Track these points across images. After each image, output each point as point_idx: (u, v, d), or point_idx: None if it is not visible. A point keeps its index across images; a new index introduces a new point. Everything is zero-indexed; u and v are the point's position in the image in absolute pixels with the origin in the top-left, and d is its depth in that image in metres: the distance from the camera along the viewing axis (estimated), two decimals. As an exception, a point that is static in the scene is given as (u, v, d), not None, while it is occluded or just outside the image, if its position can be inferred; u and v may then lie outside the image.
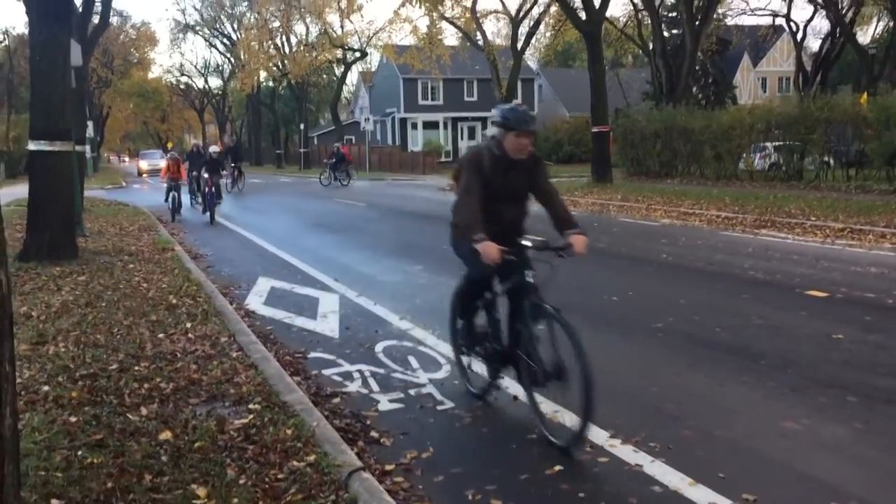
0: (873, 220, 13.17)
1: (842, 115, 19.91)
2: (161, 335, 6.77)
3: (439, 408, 5.21)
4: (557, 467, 4.16)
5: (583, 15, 24.99)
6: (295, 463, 4.07)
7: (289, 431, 4.48)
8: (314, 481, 3.85)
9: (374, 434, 4.77)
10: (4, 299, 3.09)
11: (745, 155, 23.32)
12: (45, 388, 5.22)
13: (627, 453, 4.30)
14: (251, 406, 4.96)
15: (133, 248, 12.64)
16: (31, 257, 10.50)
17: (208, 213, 18.28)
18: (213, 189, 18.21)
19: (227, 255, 12.71)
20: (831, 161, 21.32)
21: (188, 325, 7.16)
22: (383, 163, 48.13)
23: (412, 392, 5.54)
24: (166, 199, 19.48)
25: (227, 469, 3.98)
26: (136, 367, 5.77)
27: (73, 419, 4.64)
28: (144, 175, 49.86)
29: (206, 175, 18.39)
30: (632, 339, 6.72)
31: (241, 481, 3.84)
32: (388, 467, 4.25)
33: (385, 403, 5.33)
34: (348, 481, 3.85)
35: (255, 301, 8.84)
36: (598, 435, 4.51)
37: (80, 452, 4.13)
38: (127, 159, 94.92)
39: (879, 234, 12.08)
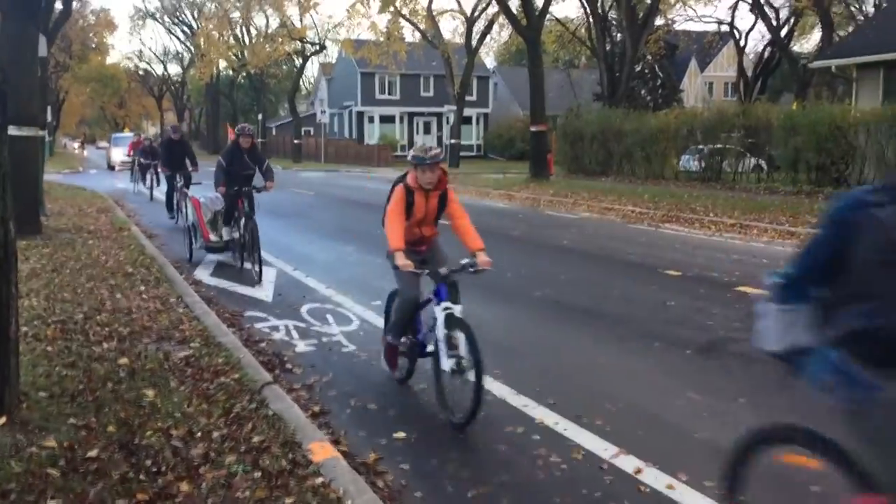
0: (762, 216, 14.85)
1: (755, 121, 21.69)
2: (119, 295, 8.02)
3: (343, 350, 6.60)
4: (422, 385, 5.58)
5: (525, 21, 26.46)
6: (223, 379, 5.41)
7: (220, 360, 5.83)
8: (236, 390, 5.19)
9: (288, 366, 6.15)
10: (12, 241, 4.40)
11: (677, 157, 25.02)
12: (24, 328, 6.44)
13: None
14: (192, 345, 6.28)
15: (92, 226, 13.78)
16: (-1, 231, 11.60)
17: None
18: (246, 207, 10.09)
19: (180, 235, 13.86)
20: (763, 164, 23.04)
21: (142, 288, 8.44)
22: (339, 155, 49.20)
23: (325, 339, 6.92)
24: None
25: (170, 381, 5.31)
26: (98, 317, 7.04)
27: (49, 349, 5.92)
28: (118, 169, 36.39)
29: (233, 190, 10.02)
30: (511, 304, 8.18)
31: (181, 389, 5.17)
32: (296, 386, 5.62)
33: (301, 347, 6.71)
34: (261, 390, 5.21)
35: (203, 273, 10.11)
36: (458, 365, 5.94)
37: (56, 368, 5.42)
38: (76, 145, 77.78)
39: (762, 229, 13.74)
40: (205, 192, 11.44)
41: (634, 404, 5.12)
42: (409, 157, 5.23)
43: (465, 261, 5.14)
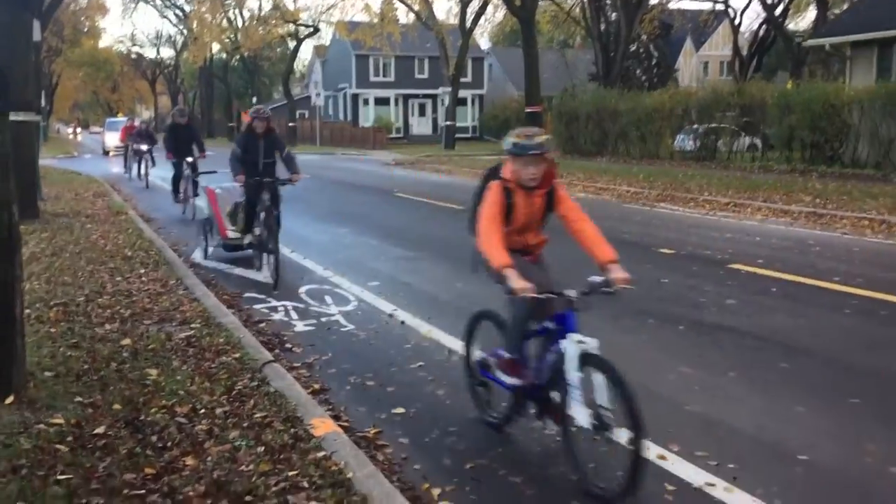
0: (755, 195, 14.96)
1: (750, 100, 21.74)
2: (119, 278, 8.11)
3: (342, 329, 6.70)
4: (419, 363, 5.69)
5: (519, 2, 26.39)
6: (224, 358, 5.52)
7: (221, 340, 5.93)
8: (237, 368, 5.29)
9: (288, 345, 6.25)
10: (15, 224, 4.48)
11: (672, 136, 25.06)
12: (27, 311, 6.51)
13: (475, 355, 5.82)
14: (192, 325, 6.37)
15: (89, 211, 13.84)
16: (-3, 216, 11.66)
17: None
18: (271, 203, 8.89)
19: (176, 219, 13.95)
20: (757, 143, 23.09)
21: (142, 271, 8.52)
22: (334, 137, 49.15)
23: (324, 319, 7.02)
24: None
25: (173, 361, 5.41)
26: (99, 299, 7.13)
27: (52, 330, 6.02)
28: (112, 154, 36.75)
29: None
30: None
31: (184, 368, 5.27)
32: (296, 364, 5.72)
33: (300, 327, 6.81)
34: (262, 368, 5.31)
35: (200, 255, 10.17)
36: (454, 343, 6.05)
37: (61, 349, 5.52)
38: (70, 130, 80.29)
39: (756, 208, 13.85)
40: (220, 181, 10.37)
41: (628, 378, 5.22)
42: (505, 146, 4.02)
43: (597, 279, 3.89)
